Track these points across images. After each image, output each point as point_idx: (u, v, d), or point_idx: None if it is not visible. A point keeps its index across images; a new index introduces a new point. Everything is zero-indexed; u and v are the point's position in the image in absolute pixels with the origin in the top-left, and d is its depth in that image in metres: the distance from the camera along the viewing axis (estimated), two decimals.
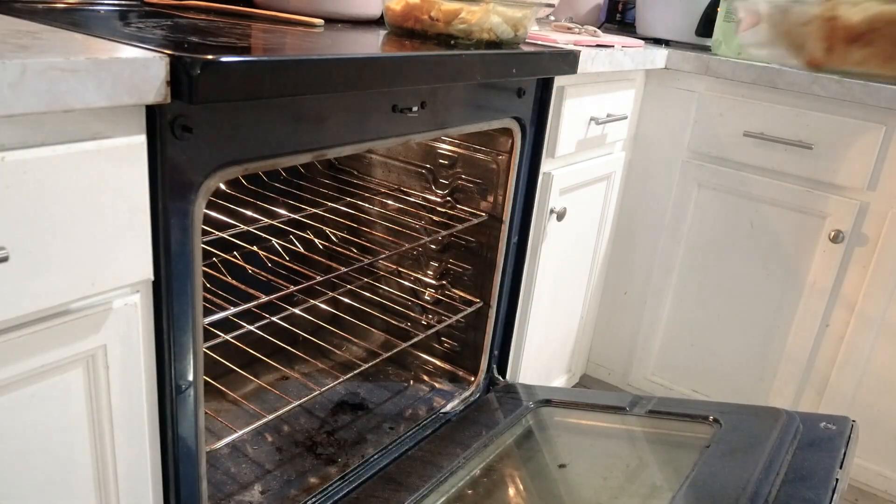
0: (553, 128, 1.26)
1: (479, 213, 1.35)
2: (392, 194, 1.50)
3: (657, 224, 1.66)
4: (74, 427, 0.69)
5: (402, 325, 1.50)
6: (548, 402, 1.29)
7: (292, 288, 1.11)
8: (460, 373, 1.42)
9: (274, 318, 1.37)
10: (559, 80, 1.21)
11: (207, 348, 1.06)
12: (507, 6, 1.05)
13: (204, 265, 0.82)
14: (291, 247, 1.45)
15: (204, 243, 0.94)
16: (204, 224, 0.77)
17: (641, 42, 1.51)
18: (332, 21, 1.13)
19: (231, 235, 1.28)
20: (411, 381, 1.42)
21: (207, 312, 0.91)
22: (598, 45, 1.31)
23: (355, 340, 1.49)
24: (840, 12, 0.68)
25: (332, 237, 1.50)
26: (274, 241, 1.41)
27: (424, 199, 1.45)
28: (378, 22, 1.19)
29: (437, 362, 1.44)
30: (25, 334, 0.62)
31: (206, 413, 0.84)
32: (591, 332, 1.82)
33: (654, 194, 1.64)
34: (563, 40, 1.25)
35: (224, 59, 0.65)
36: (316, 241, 1.48)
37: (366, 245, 1.51)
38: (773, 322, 1.56)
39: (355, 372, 1.30)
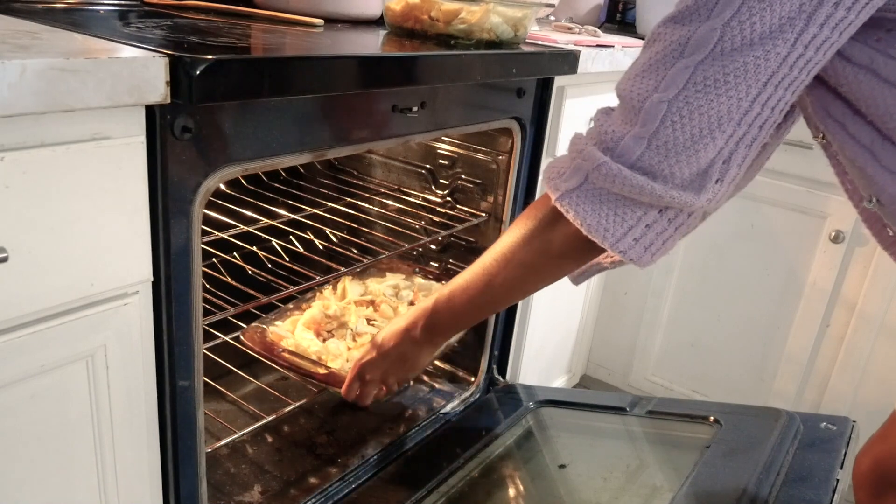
0: (553, 128, 1.26)
1: (479, 213, 1.34)
2: (392, 194, 1.50)
3: None
4: (74, 427, 0.69)
5: None
6: (548, 403, 1.29)
7: (292, 288, 1.11)
8: (460, 373, 1.41)
9: None
10: (559, 80, 1.21)
11: (207, 349, 1.06)
12: (507, 6, 1.05)
13: (204, 265, 0.82)
14: (291, 247, 1.45)
15: (204, 244, 0.94)
16: (204, 224, 0.77)
17: (642, 42, 1.51)
18: (332, 21, 1.13)
19: (231, 236, 1.28)
20: (411, 382, 1.41)
21: (207, 313, 0.90)
22: (598, 45, 1.31)
23: None
24: None
25: (332, 237, 1.50)
26: (274, 241, 1.41)
27: (424, 199, 1.44)
28: (378, 22, 1.19)
29: (437, 362, 1.44)
30: (25, 334, 0.62)
31: (205, 413, 0.83)
32: (592, 333, 1.82)
33: None
34: (563, 40, 1.25)
35: (224, 59, 0.65)
36: (316, 241, 1.48)
37: (366, 245, 1.51)
38: (773, 322, 1.56)
39: None
